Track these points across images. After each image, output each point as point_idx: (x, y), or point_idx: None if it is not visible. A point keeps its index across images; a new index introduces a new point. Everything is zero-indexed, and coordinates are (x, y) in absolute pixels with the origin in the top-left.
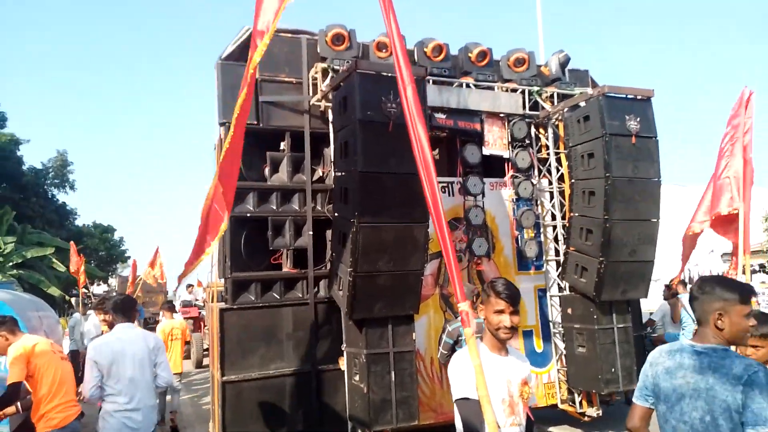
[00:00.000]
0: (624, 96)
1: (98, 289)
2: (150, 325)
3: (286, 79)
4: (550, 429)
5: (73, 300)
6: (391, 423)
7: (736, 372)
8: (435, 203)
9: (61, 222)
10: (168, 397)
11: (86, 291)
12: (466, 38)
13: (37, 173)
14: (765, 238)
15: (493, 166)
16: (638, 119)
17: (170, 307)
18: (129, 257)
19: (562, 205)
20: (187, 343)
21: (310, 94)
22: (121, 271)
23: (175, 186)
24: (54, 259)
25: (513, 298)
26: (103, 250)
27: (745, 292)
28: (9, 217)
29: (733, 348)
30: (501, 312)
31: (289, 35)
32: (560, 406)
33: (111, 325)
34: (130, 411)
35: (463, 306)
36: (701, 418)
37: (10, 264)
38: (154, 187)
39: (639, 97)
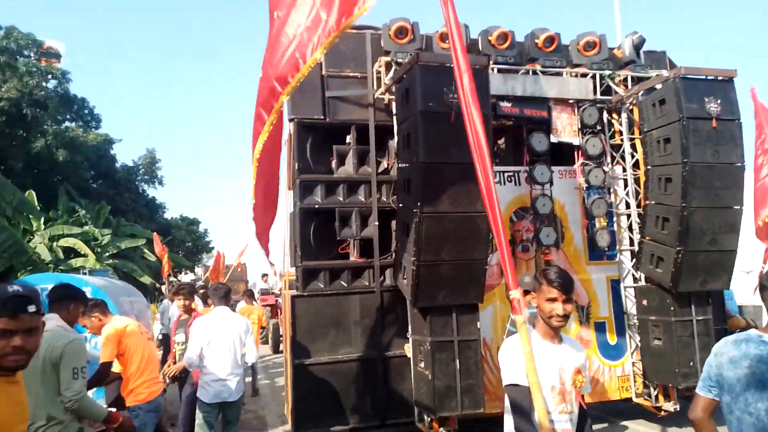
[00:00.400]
0: (703, 77)
1: (185, 277)
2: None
3: (351, 74)
4: (624, 423)
5: (162, 287)
6: (456, 410)
7: None
8: (488, 191)
9: (151, 215)
10: (248, 379)
11: (174, 279)
12: (539, 24)
13: (128, 170)
14: None
15: (562, 154)
16: (719, 101)
17: (250, 294)
18: (213, 248)
19: (637, 193)
20: (263, 328)
21: (375, 87)
22: (206, 261)
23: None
24: (145, 250)
25: (565, 286)
26: (190, 241)
27: None
28: (105, 211)
29: None
30: (553, 300)
31: (354, 31)
32: (635, 399)
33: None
34: (223, 380)
35: (515, 293)
36: (767, 409)
37: (107, 254)
38: (237, 182)
39: (720, 78)
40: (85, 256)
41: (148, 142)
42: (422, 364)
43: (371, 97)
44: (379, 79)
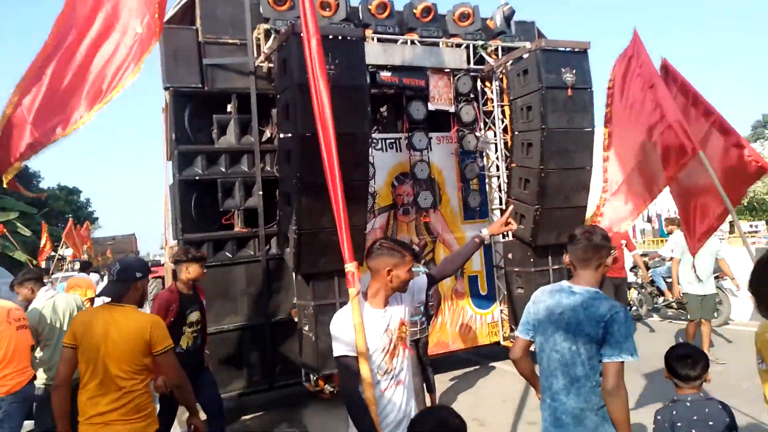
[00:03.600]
0: (561, 49)
1: (67, 252)
2: None
3: (230, 41)
4: (493, 364)
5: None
6: None
7: (602, 311)
8: (330, 158)
9: (24, 185)
10: None
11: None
12: None
13: None
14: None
15: (439, 121)
16: (574, 71)
17: (83, 266)
18: (97, 218)
19: (506, 157)
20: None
21: (255, 55)
22: (92, 233)
23: (141, 143)
24: (18, 224)
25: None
26: (70, 212)
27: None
28: None
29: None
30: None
31: None
32: (502, 342)
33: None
34: None
35: (349, 267)
36: (569, 347)
37: None
38: (119, 147)
39: (576, 50)
40: None
41: None
42: (306, 327)
43: (251, 65)
44: (258, 46)
